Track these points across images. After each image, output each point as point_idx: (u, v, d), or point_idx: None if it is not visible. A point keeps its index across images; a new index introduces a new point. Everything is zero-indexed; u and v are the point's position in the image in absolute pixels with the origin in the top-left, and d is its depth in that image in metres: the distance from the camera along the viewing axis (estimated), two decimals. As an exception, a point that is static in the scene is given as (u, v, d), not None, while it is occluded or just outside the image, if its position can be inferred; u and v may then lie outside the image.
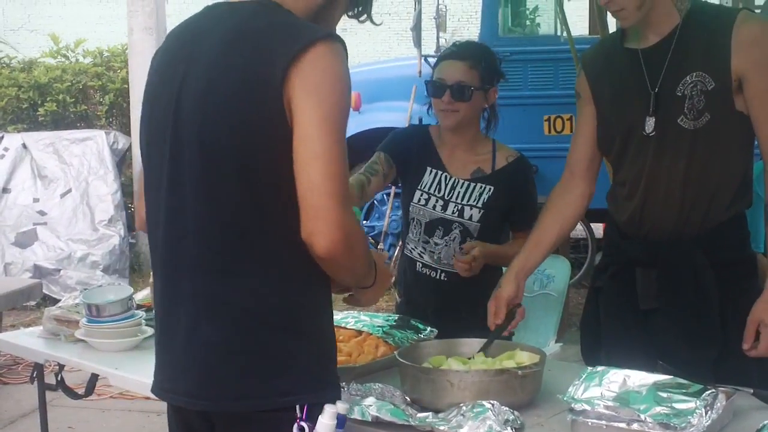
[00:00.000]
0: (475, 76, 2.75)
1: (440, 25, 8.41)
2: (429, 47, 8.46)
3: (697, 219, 2.25)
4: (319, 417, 1.62)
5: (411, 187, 2.87)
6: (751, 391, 2.04)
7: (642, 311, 2.32)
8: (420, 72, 6.91)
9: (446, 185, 2.83)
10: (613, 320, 2.38)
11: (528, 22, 7.91)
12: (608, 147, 2.38)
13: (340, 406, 1.64)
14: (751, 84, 2.16)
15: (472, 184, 2.81)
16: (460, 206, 2.80)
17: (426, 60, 7.46)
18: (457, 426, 1.87)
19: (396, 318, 2.60)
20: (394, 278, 2.96)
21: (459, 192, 2.81)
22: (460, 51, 2.83)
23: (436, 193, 2.83)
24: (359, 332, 2.45)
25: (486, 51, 2.89)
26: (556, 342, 3.78)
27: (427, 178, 2.85)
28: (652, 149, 2.25)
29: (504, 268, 2.87)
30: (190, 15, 1.81)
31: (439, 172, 2.84)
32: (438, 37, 8.63)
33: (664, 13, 2.22)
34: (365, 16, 1.84)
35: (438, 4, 8.52)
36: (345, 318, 2.54)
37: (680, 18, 2.23)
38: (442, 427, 1.87)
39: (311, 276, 1.66)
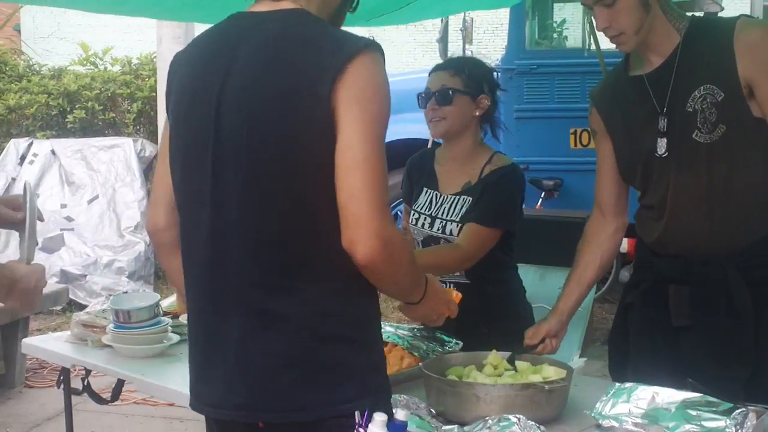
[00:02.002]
0: (457, 81, 2.76)
1: (466, 37, 8.42)
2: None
3: (728, 234, 2.23)
4: (370, 425, 1.60)
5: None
6: (782, 409, 2.01)
7: (673, 329, 2.31)
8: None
9: (436, 203, 2.84)
10: (643, 337, 2.37)
11: (555, 35, 7.89)
12: (631, 176, 2.37)
13: (400, 413, 1.63)
14: (761, 88, 2.14)
15: (457, 198, 2.79)
16: (443, 222, 2.79)
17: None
18: (482, 440, 1.86)
19: (421, 329, 2.60)
20: None
21: (445, 208, 2.81)
22: (445, 63, 2.92)
23: (426, 211, 2.84)
24: (384, 343, 2.44)
25: (471, 61, 2.93)
26: (580, 357, 3.76)
27: (422, 198, 2.88)
28: (671, 169, 2.24)
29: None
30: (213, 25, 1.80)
31: (432, 191, 2.86)
32: (464, 49, 8.65)
33: (663, 35, 2.22)
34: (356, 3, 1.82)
35: (464, 16, 8.53)
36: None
37: (680, 37, 2.22)
38: (468, 441, 1.86)
39: (361, 285, 1.66)
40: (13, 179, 7.38)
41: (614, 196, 2.44)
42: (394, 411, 1.62)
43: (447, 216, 2.79)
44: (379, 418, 1.57)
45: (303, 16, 1.68)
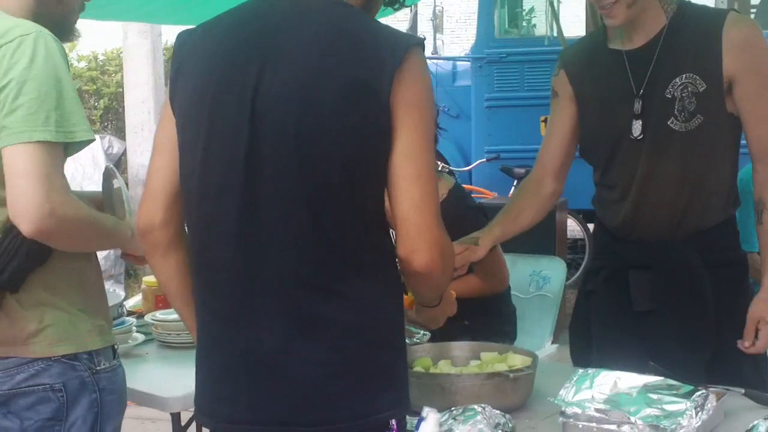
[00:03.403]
0: None
1: (437, 27, 8.42)
2: (426, 50, 8.47)
3: (692, 221, 2.25)
4: (423, 424, 1.59)
5: None
6: (743, 391, 2.04)
7: (635, 314, 2.32)
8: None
9: None
10: (606, 323, 2.38)
11: (524, 24, 7.92)
12: (592, 150, 2.37)
13: (433, 417, 1.61)
14: (742, 86, 2.16)
15: None
16: None
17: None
18: (447, 430, 1.86)
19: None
20: None
21: None
22: None
23: None
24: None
25: None
26: (553, 343, 3.79)
27: None
28: (643, 153, 2.24)
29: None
30: (232, 8, 1.65)
31: None
32: (435, 39, 8.65)
33: (652, 14, 2.21)
34: (398, 3, 1.79)
35: (435, 6, 8.53)
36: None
37: (667, 20, 2.22)
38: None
39: (397, 289, 1.64)
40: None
41: (560, 160, 2.44)
42: (433, 412, 1.60)
43: None
44: (434, 415, 1.58)
45: (347, 7, 1.59)
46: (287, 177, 1.51)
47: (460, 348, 2.31)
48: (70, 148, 1.87)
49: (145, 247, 1.74)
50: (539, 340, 3.82)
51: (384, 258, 1.58)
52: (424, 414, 1.58)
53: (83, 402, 1.99)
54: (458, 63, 7.77)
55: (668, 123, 2.19)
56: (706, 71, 2.17)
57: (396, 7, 1.83)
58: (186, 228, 1.69)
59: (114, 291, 4.68)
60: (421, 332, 2.55)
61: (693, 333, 2.23)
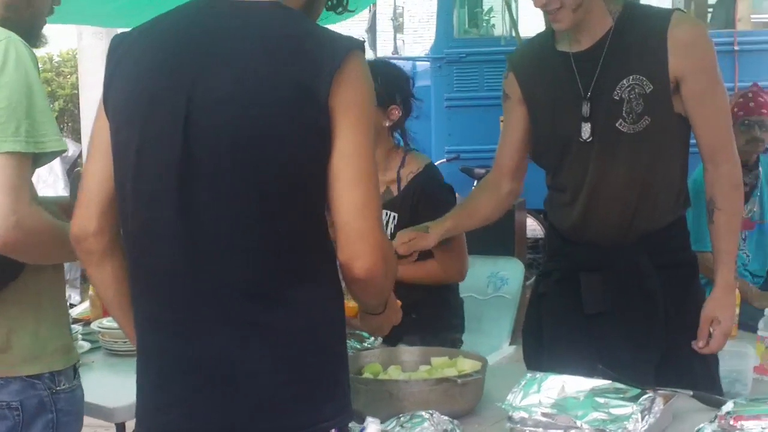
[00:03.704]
0: None
1: (398, 27, 8.40)
2: (387, 49, 8.46)
3: (641, 223, 2.25)
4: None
5: None
6: (691, 393, 2.04)
7: (586, 316, 2.32)
8: (375, 75, 6.89)
9: None
10: (557, 325, 2.38)
11: (483, 24, 7.93)
12: (543, 153, 2.37)
13: (372, 426, 1.60)
14: (688, 86, 2.16)
15: None
16: None
17: (381, 62, 7.44)
18: (395, 437, 1.84)
19: (341, 326, 2.56)
20: None
21: None
22: None
23: None
24: (302, 342, 2.41)
25: (385, 69, 2.84)
26: (511, 344, 3.78)
27: None
28: (593, 155, 2.23)
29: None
30: (167, 12, 1.60)
31: None
32: (395, 39, 8.63)
33: (598, 17, 2.21)
34: (341, 7, 1.77)
35: (395, 6, 8.50)
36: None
37: (613, 21, 2.21)
38: (379, 440, 1.84)
39: (341, 296, 1.60)
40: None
41: (516, 161, 2.45)
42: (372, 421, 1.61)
43: None
44: (375, 426, 1.57)
45: (287, 11, 1.55)
46: (227, 183, 1.48)
47: (410, 353, 2.29)
48: (40, 158, 1.81)
49: (80, 255, 1.69)
50: (497, 341, 3.81)
51: (326, 263, 1.55)
52: (365, 424, 1.56)
53: (39, 422, 1.94)
54: (418, 63, 7.75)
55: (616, 125, 2.18)
56: (652, 72, 2.17)
57: (339, 11, 1.80)
58: (123, 234, 1.64)
59: (69, 296, 4.61)
60: (372, 338, 2.52)
61: (642, 334, 2.24)
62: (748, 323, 3.57)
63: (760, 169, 4.15)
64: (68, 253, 1.81)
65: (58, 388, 1.96)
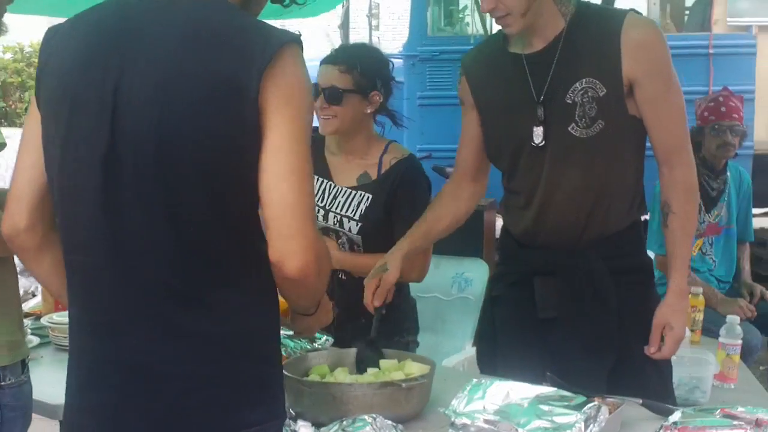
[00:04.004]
0: (348, 80, 2.67)
1: (374, 23, 8.35)
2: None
3: (595, 227, 2.22)
4: None
5: None
6: (640, 401, 2.01)
7: (540, 320, 2.28)
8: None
9: (329, 194, 2.76)
10: (511, 329, 2.34)
11: (458, 22, 7.88)
12: (497, 157, 2.33)
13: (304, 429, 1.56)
14: (643, 89, 2.12)
15: (353, 193, 2.72)
16: (339, 217, 2.72)
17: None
18: (335, 442, 1.80)
19: (293, 325, 2.51)
20: None
21: (340, 201, 2.74)
22: (336, 55, 2.76)
23: (318, 202, 2.75)
24: (250, 342, 2.36)
25: (364, 55, 2.79)
26: (473, 346, 3.75)
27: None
28: (546, 160, 2.20)
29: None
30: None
31: (325, 181, 2.78)
32: (371, 36, 8.57)
33: (549, 19, 2.16)
34: (288, 0, 1.70)
35: (371, 1, 8.44)
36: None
37: (565, 23, 2.17)
38: (319, 445, 1.80)
39: (272, 300, 1.55)
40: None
41: (476, 163, 2.41)
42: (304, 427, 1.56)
43: (343, 211, 2.72)
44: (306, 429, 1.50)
45: (220, 4, 1.49)
46: (147, 181, 1.43)
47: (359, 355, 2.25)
48: None
49: (16, 251, 1.65)
50: (460, 342, 3.78)
51: (255, 266, 1.48)
52: (297, 427, 1.52)
53: None
54: (392, 60, 7.69)
55: (569, 129, 2.14)
56: (605, 75, 2.12)
57: (285, 3, 1.74)
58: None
59: (37, 288, 4.54)
60: (324, 337, 2.48)
61: (595, 341, 2.20)
62: (711, 329, 3.56)
63: (728, 174, 4.15)
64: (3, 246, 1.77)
65: (3, 383, 1.93)
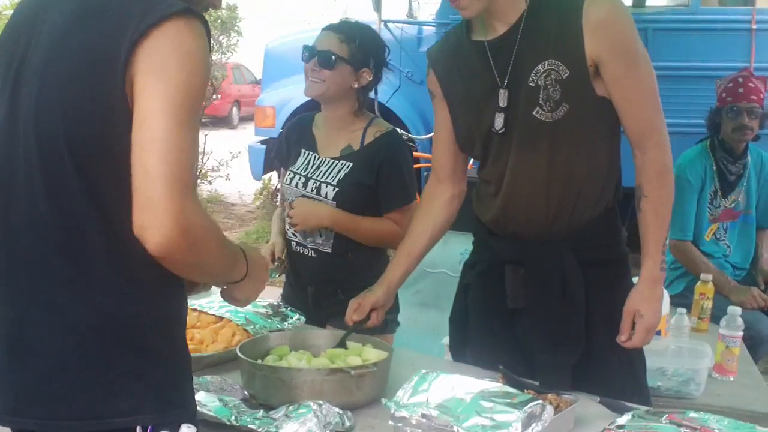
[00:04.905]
0: (344, 49, 2.73)
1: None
2: (400, 12, 8.28)
3: (564, 216, 2.15)
4: None
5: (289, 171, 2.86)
6: (598, 399, 1.96)
7: (509, 310, 2.23)
8: (379, 38, 6.75)
9: (313, 164, 2.81)
10: (480, 318, 2.29)
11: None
12: (470, 147, 2.27)
13: (185, 430, 1.44)
14: (608, 68, 2.03)
15: (336, 162, 2.77)
16: (317, 183, 2.76)
17: (386, 25, 7.30)
18: (276, 429, 1.78)
19: (266, 304, 2.51)
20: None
21: (322, 170, 2.78)
22: (338, 24, 2.83)
23: (302, 171, 2.80)
24: (220, 318, 2.36)
25: (365, 32, 2.82)
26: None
27: (300, 159, 2.84)
28: (513, 146, 2.13)
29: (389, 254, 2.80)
30: None
31: (311, 153, 2.84)
32: (410, 1, 8.43)
33: (509, 2, 2.08)
34: None
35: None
36: (211, 302, 2.44)
37: (526, 5, 2.09)
38: (259, 429, 1.79)
39: (162, 284, 1.50)
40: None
41: (450, 163, 2.35)
42: (186, 427, 1.42)
43: (323, 177, 2.75)
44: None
45: None
46: (31, 159, 1.46)
47: (323, 337, 2.24)
48: None
49: None
50: (444, 331, 3.74)
51: (132, 248, 1.42)
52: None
53: None
54: (424, 28, 7.59)
55: (533, 113, 2.07)
56: (568, 56, 2.04)
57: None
58: None
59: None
60: (296, 316, 2.47)
61: (562, 334, 2.14)
62: (721, 317, 3.46)
63: (749, 158, 4.01)
64: None
65: None
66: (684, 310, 3.30)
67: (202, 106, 1.47)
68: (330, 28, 2.79)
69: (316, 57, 2.72)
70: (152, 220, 1.36)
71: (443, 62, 2.26)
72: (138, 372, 1.49)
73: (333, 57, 2.70)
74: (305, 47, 2.77)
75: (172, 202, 1.36)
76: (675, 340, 3.19)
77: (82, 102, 1.41)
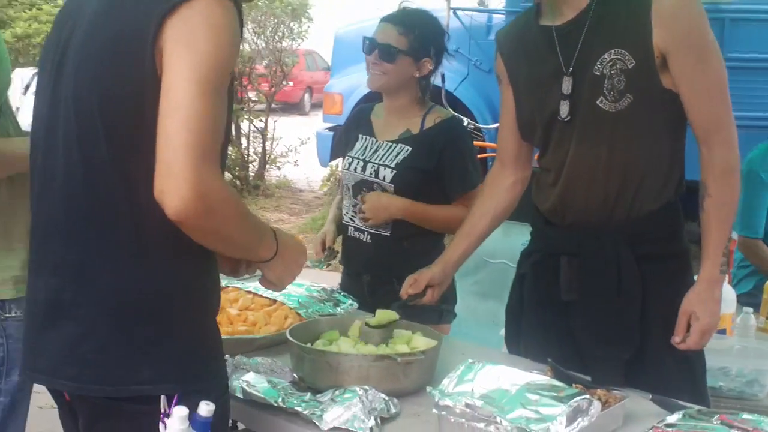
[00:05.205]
0: (404, 41, 2.73)
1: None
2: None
3: (623, 208, 2.10)
4: (169, 419, 1.48)
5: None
6: (650, 396, 1.92)
7: (564, 302, 2.19)
8: (448, 25, 6.70)
9: (371, 149, 2.81)
10: (534, 310, 2.27)
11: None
12: (530, 134, 2.24)
13: (203, 407, 1.49)
14: (677, 61, 1.97)
15: (394, 146, 2.77)
16: (376, 166, 2.76)
17: (455, 13, 7.24)
18: (321, 412, 1.79)
19: (320, 289, 2.52)
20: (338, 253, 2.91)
21: (379, 153, 2.78)
22: (397, 16, 2.83)
23: (360, 156, 2.81)
24: (274, 301, 2.38)
25: (425, 22, 2.82)
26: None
27: (358, 144, 2.85)
28: (574, 135, 2.10)
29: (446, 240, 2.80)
30: None
31: (368, 138, 2.85)
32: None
33: None
34: None
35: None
36: (266, 285, 2.45)
37: None
38: (305, 412, 1.80)
39: (188, 258, 1.53)
40: (17, 108, 7.37)
41: (515, 148, 2.34)
42: (206, 404, 1.49)
43: (381, 161, 2.76)
44: (179, 412, 1.46)
45: None
46: (70, 129, 1.53)
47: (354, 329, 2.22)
48: None
49: None
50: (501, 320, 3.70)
51: (159, 220, 1.43)
52: (199, 410, 1.49)
53: None
54: (494, 16, 7.51)
55: (597, 103, 2.03)
56: (635, 46, 1.99)
57: None
58: None
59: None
60: (348, 301, 2.47)
61: (615, 328, 2.10)
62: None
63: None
64: (2, 169, 2.03)
65: (7, 315, 2.02)
66: (750, 310, 3.21)
67: (230, 80, 1.52)
68: (388, 19, 2.79)
69: (377, 50, 2.73)
70: (170, 185, 1.39)
71: (510, 45, 2.25)
72: (159, 341, 1.53)
73: (393, 50, 2.71)
74: (365, 39, 2.77)
75: (189, 169, 1.38)
76: (740, 339, 3.10)
77: (113, 75, 1.47)
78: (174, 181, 1.39)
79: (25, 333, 1.65)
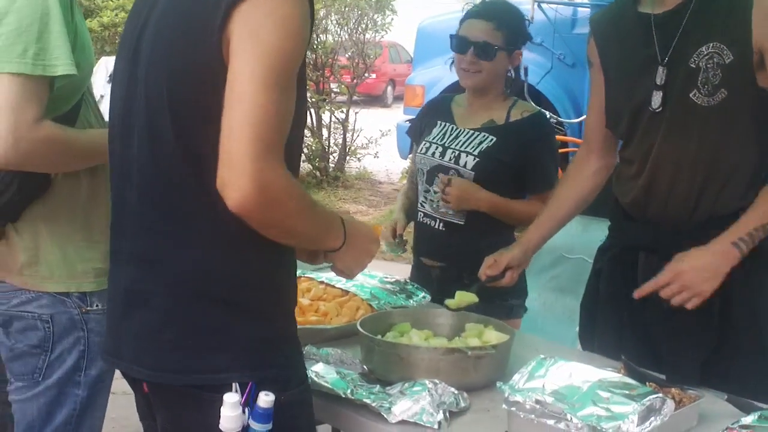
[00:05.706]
0: (499, 37, 2.70)
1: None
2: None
3: (707, 205, 2.06)
4: (222, 408, 1.50)
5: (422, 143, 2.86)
6: (725, 396, 1.87)
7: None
8: (532, 17, 6.62)
9: (450, 135, 2.79)
10: (609, 305, 2.23)
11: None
12: (616, 122, 2.20)
13: (262, 398, 1.50)
14: None
15: (477, 133, 2.74)
16: (457, 153, 2.73)
17: (540, 6, 7.14)
18: (390, 404, 1.80)
19: (393, 281, 2.53)
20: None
21: (461, 140, 2.76)
22: (486, 10, 2.78)
23: (438, 141, 2.79)
24: (346, 292, 2.40)
25: (512, 12, 2.80)
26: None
27: (435, 130, 2.83)
28: (662, 127, 2.06)
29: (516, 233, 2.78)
30: None
31: (447, 124, 2.82)
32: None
33: None
34: None
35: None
36: (339, 276, 2.47)
37: None
38: (374, 404, 1.81)
39: (257, 245, 1.51)
40: (102, 96, 7.58)
41: (602, 133, 2.31)
42: (265, 394, 1.50)
43: (462, 147, 2.74)
44: (229, 399, 1.48)
45: None
46: (142, 118, 1.55)
47: (447, 316, 2.23)
48: (55, 81, 1.88)
49: None
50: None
51: (226, 207, 1.44)
52: (258, 401, 1.50)
53: (69, 338, 2.05)
54: (579, 9, 7.39)
55: (690, 96, 1.99)
56: (734, 41, 1.95)
57: None
58: None
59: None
60: (421, 294, 2.47)
61: (693, 327, 2.05)
62: None
63: None
64: (81, 161, 2.01)
65: (89, 308, 2.05)
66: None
67: (297, 70, 1.49)
68: (478, 15, 2.75)
69: (472, 48, 2.68)
70: (231, 177, 1.39)
71: (603, 30, 2.23)
72: (235, 330, 1.53)
73: (490, 47, 2.68)
74: (455, 37, 2.74)
75: (251, 161, 1.38)
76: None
77: (182, 64, 1.48)
78: (234, 174, 1.39)
79: (108, 319, 1.69)
